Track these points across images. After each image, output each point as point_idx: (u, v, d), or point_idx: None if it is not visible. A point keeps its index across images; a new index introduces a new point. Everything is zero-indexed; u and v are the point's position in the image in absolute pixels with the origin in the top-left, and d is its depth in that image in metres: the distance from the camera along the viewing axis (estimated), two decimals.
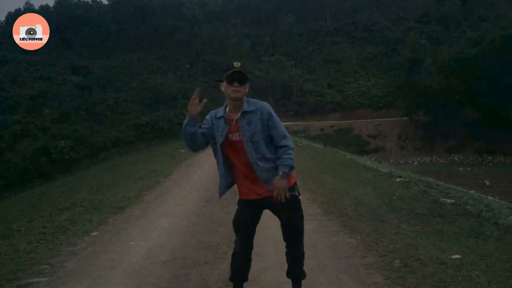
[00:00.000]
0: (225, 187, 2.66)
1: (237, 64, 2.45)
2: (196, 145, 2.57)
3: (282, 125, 2.58)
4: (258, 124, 2.50)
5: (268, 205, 2.61)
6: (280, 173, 2.45)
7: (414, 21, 60.71)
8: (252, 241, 2.70)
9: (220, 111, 2.60)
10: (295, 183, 2.61)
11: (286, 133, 2.58)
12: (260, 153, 2.51)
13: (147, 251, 4.07)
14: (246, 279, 2.79)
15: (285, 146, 2.52)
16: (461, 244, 4.03)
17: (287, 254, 2.73)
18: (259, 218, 2.69)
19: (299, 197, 2.63)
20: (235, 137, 2.53)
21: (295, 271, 2.72)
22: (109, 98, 46.65)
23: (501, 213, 5.94)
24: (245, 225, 2.65)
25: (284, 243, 2.72)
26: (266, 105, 2.58)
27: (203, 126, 2.57)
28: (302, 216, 2.68)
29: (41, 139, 35.66)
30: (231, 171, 2.63)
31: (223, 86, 2.50)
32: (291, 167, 2.48)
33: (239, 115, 2.52)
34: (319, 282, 3.16)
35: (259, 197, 2.56)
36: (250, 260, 2.74)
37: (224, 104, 2.60)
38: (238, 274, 2.73)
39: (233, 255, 2.73)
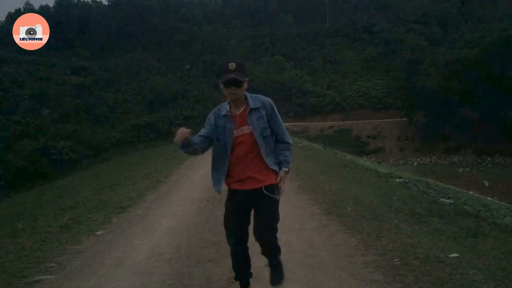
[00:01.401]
0: (219, 181, 2.62)
1: (232, 66, 2.41)
2: (198, 153, 2.58)
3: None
4: (265, 119, 2.55)
5: (254, 200, 2.57)
6: (285, 169, 2.61)
7: (413, 22, 60.73)
8: (245, 243, 2.69)
9: (223, 108, 2.59)
10: (277, 184, 2.59)
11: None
12: (270, 147, 2.58)
13: (151, 250, 4.14)
14: (250, 275, 2.84)
15: (287, 143, 2.63)
16: (459, 243, 4.10)
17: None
18: (248, 219, 2.67)
19: (279, 199, 2.61)
20: (243, 130, 2.54)
21: (268, 249, 2.67)
22: (108, 98, 46.67)
23: (499, 213, 6.03)
24: (235, 226, 2.66)
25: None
26: (268, 99, 2.62)
27: (205, 128, 2.59)
28: (278, 217, 2.65)
29: (41, 139, 35.65)
30: (227, 164, 2.59)
31: (222, 87, 2.50)
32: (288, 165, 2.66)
33: (241, 110, 2.54)
34: (320, 280, 3.23)
35: (250, 187, 2.55)
36: (248, 258, 2.76)
37: (227, 100, 2.60)
38: (239, 272, 2.79)
39: (231, 255, 2.77)
